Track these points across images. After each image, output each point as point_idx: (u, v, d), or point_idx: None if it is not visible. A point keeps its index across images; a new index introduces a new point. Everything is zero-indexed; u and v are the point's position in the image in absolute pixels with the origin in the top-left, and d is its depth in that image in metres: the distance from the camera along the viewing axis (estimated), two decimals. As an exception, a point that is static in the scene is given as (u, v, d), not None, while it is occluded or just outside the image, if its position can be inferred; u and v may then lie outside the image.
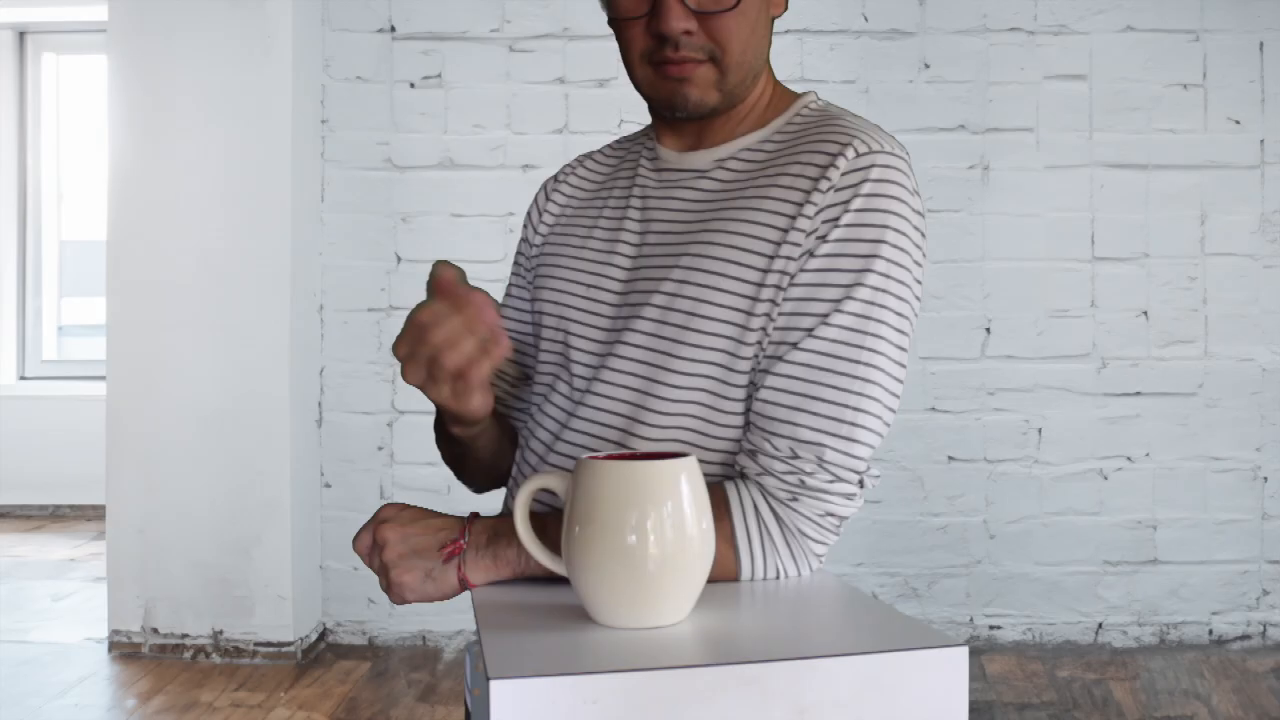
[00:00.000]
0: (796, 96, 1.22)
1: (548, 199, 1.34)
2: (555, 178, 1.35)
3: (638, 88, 1.20)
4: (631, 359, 1.14)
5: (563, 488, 0.93)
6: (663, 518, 0.88)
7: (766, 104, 1.21)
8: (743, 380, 1.10)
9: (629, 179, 1.26)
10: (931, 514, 3.61)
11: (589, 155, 1.36)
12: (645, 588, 0.88)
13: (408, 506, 1.10)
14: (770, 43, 1.20)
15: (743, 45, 1.14)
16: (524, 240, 1.35)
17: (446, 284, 1.00)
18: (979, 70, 3.60)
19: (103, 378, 3.64)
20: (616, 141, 1.36)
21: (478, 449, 1.26)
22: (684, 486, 0.89)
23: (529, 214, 1.35)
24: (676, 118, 1.18)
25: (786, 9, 1.21)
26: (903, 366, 1.08)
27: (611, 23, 1.19)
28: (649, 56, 1.15)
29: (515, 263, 1.37)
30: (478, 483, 1.37)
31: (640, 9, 1.13)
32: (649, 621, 0.89)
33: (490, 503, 1.36)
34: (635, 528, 0.87)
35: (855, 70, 3.60)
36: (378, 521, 1.09)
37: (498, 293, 1.42)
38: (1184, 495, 3.59)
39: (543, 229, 1.33)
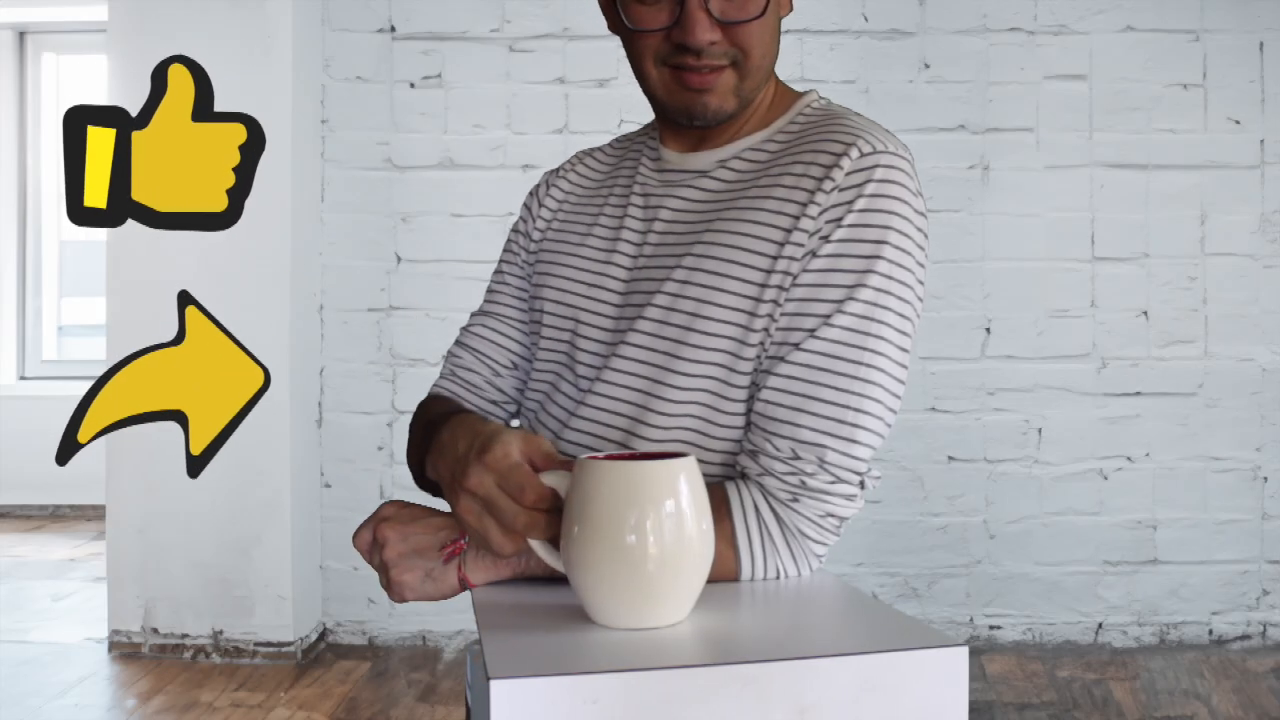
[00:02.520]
0: (798, 96, 1.22)
1: (547, 192, 1.33)
2: (556, 171, 1.34)
3: (649, 90, 1.18)
4: (635, 358, 1.14)
5: (562, 487, 0.92)
6: (662, 518, 0.87)
7: (769, 103, 1.21)
8: (745, 380, 1.09)
9: (629, 177, 1.25)
10: (931, 514, 3.61)
11: (589, 152, 1.35)
12: (645, 588, 0.88)
13: (409, 505, 1.10)
14: (780, 45, 1.20)
15: (763, 51, 1.14)
16: (520, 232, 1.33)
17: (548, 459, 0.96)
18: (979, 70, 3.60)
19: (103, 378, 3.63)
20: (617, 140, 1.35)
21: None
22: (683, 486, 0.89)
23: (527, 205, 1.34)
24: (694, 126, 1.17)
25: (792, 9, 1.20)
26: (904, 368, 1.08)
27: (620, 30, 1.18)
28: (665, 59, 1.14)
29: (509, 250, 1.34)
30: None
31: (662, 21, 1.11)
32: (649, 621, 0.89)
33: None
34: (635, 528, 0.87)
35: (855, 70, 3.60)
36: (378, 519, 1.09)
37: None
38: (1184, 495, 3.59)
39: (540, 223, 1.32)
